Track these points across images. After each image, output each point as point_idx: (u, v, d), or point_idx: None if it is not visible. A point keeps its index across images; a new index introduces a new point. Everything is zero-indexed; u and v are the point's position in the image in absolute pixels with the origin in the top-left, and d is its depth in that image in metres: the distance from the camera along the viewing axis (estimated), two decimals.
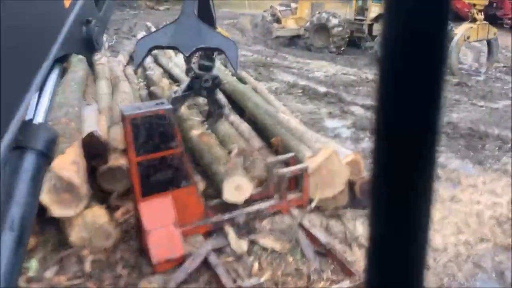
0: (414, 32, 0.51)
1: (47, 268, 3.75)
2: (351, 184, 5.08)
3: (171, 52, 12.47)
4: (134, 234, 4.26)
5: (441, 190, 5.67)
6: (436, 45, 0.51)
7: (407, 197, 0.56)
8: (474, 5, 11.80)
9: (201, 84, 5.20)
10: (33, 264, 3.77)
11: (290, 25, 17.03)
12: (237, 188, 4.40)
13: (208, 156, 5.03)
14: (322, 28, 15.08)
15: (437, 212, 5.11)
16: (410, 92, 0.53)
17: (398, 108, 0.54)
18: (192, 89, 5.25)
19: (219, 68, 10.55)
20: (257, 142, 5.96)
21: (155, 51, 12.07)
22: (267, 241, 4.22)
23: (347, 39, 15.09)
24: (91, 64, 8.36)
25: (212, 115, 5.73)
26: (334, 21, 14.68)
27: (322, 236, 4.27)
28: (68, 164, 3.72)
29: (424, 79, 0.52)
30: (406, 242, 0.58)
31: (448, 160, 6.68)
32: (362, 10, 15.13)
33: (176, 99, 5.28)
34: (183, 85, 5.46)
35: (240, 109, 7.60)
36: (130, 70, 9.29)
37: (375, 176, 0.58)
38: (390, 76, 0.54)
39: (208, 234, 4.30)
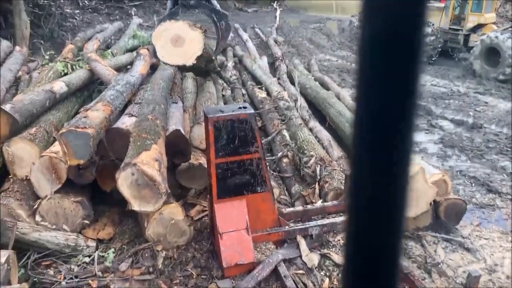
0: (391, 29, 0.52)
1: (122, 260, 3.87)
2: (435, 205, 4.76)
3: (255, 53, 12.60)
4: (206, 234, 4.28)
5: None
6: (413, 40, 0.52)
7: (384, 191, 0.58)
8: None
9: None
10: (110, 254, 3.92)
11: None
12: (176, 40, 3.73)
13: None
14: None
15: None
16: (387, 86, 0.54)
17: (376, 103, 0.55)
18: (177, 4, 4.69)
19: (302, 72, 10.48)
20: (336, 151, 5.78)
21: (240, 53, 12.27)
22: (340, 257, 4.05)
23: (440, 49, 14.29)
24: None
25: (218, 31, 4.99)
26: (427, 29, 13.95)
27: None
28: (151, 160, 3.81)
29: (400, 74, 0.53)
30: (382, 234, 0.59)
31: None
32: (458, 19, 14.26)
33: (162, 21, 4.85)
34: (168, 4, 4.90)
35: (321, 116, 7.45)
36: None
37: (355, 169, 0.60)
38: (368, 69, 0.55)
39: (279, 243, 4.21)
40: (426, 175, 4.54)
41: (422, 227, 4.68)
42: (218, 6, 4.92)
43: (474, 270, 3.89)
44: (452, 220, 4.82)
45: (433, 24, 14.09)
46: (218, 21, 4.90)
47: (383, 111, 0.55)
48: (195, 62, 3.58)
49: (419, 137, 7.91)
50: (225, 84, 8.73)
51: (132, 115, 4.84)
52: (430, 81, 12.06)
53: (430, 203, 4.57)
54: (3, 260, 3.15)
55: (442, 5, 14.70)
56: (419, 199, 4.48)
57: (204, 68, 5.44)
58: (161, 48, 3.52)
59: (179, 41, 3.49)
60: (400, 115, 0.54)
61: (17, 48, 8.89)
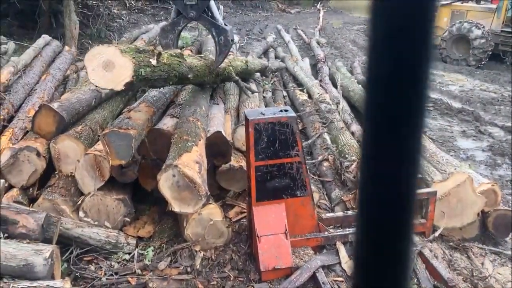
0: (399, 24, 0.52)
1: (161, 259, 3.91)
2: (483, 216, 4.54)
3: (297, 55, 12.51)
4: (244, 237, 4.26)
5: None
6: (421, 38, 0.52)
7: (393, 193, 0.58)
8: None
9: (184, 2, 4.71)
10: (150, 252, 3.97)
11: None
12: (106, 65, 3.57)
13: None
14: (461, 39, 13.92)
15: None
16: (393, 84, 0.54)
17: (383, 101, 0.55)
18: (180, 14, 4.81)
19: (345, 74, 10.31)
20: None
21: (282, 54, 12.22)
22: None
23: (490, 52, 13.71)
24: None
25: (216, 46, 5.09)
26: (477, 32, 13.42)
27: (443, 270, 3.86)
28: (192, 162, 3.83)
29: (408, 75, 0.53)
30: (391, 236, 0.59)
31: None
32: (511, 21, 13.64)
33: (165, 30, 4.95)
34: (172, 14, 5.10)
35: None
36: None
37: (362, 168, 0.60)
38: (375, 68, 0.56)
39: (318, 249, 4.14)
40: (474, 184, 4.35)
41: (468, 238, 4.48)
42: (220, 21, 4.97)
43: None
44: (501, 232, 4.59)
45: (483, 27, 13.54)
46: (217, 36, 4.94)
47: (389, 109, 0.55)
48: (123, 88, 3.64)
49: (466, 143, 7.61)
50: (266, 86, 8.71)
51: (174, 116, 4.89)
52: (479, 86, 11.59)
53: (478, 214, 4.37)
54: (47, 254, 3.24)
55: (494, 6, 14.13)
56: (466, 209, 4.30)
57: (217, 80, 5.54)
58: (92, 71, 3.54)
59: (110, 66, 3.52)
60: (408, 113, 0.54)
61: (66, 47, 9.20)
